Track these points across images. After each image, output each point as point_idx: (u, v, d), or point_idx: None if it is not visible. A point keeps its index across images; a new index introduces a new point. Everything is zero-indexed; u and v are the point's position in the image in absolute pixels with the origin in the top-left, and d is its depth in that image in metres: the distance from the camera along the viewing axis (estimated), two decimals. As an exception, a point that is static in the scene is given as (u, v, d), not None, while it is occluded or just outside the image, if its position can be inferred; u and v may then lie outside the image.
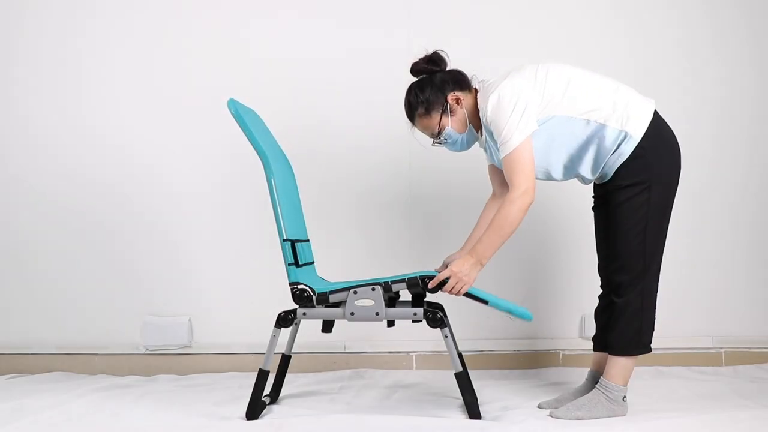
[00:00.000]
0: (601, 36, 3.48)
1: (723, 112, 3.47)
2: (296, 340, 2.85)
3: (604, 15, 3.49)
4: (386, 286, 2.57)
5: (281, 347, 2.80)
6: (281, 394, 2.89)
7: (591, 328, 3.41)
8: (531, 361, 3.41)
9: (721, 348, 3.44)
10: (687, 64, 3.48)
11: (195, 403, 2.82)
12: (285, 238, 2.59)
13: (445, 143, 2.65)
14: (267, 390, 2.73)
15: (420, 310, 2.56)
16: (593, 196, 2.73)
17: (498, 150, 2.53)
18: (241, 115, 2.57)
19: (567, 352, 3.44)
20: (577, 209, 3.45)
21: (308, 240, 2.81)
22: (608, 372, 2.59)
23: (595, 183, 2.69)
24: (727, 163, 3.48)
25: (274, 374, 2.84)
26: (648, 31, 3.48)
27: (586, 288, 3.43)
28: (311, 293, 2.59)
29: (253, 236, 3.46)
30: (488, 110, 2.49)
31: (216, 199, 3.47)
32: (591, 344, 3.41)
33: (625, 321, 2.55)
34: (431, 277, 2.55)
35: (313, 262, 2.80)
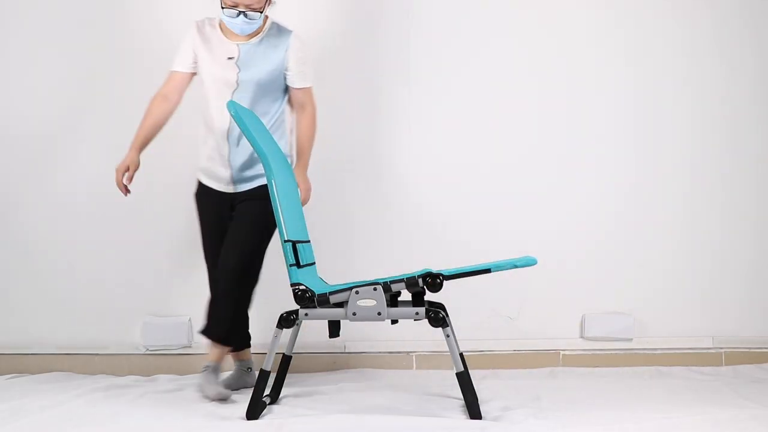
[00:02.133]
0: (598, 36, 3.48)
1: (723, 112, 3.47)
2: (297, 340, 2.85)
3: (603, 16, 3.48)
4: (386, 286, 2.57)
5: (282, 347, 2.80)
6: (281, 394, 2.89)
7: (591, 328, 3.43)
8: (531, 361, 3.41)
9: (721, 348, 3.44)
10: (687, 63, 3.47)
11: (195, 403, 2.82)
12: (286, 239, 2.59)
13: (251, 20, 2.89)
14: (267, 390, 2.73)
15: (422, 310, 2.56)
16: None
17: (276, 72, 2.97)
18: (241, 116, 2.58)
19: (567, 352, 3.44)
20: (577, 209, 3.46)
21: (309, 241, 2.82)
22: None
23: None
24: (727, 163, 3.47)
25: (275, 374, 2.84)
26: (648, 31, 3.47)
27: (586, 288, 3.45)
28: (313, 294, 2.59)
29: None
30: (297, 43, 2.99)
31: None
32: (591, 344, 3.43)
33: None
34: (432, 276, 2.55)
35: (314, 263, 2.80)
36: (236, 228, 2.94)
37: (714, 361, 3.41)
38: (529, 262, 2.55)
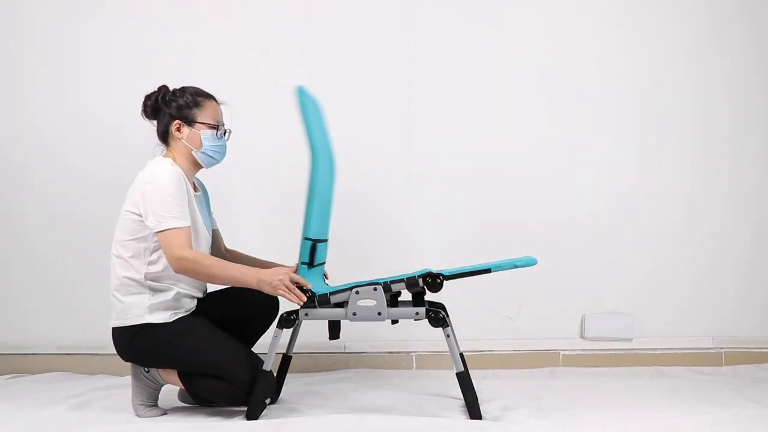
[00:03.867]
0: (598, 35, 3.48)
1: (723, 113, 3.47)
2: (297, 340, 2.85)
3: (602, 17, 3.48)
4: (386, 287, 2.57)
5: (282, 347, 2.80)
6: (281, 394, 2.89)
7: (591, 328, 3.42)
8: (531, 361, 3.41)
9: (721, 348, 3.43)
10: (688, 63, 3.47)
11: (195, 403, 2.82)
12: (308, 237, 2.58)
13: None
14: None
15: (422, 310, 2.56)
16: None
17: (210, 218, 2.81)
18: (305, 104, 2.55)
19: (567, 352, 3.44)
20: (577, 209, 3.45)
21: (327, 240, 2.79)
22: None
23: None
24: (727, 163, 3.47)
25: (276, 373, 2.83)
26: (648, 31, 3.47)
27: (586, 288, 3.45)
28: (313, 294, 2.59)
29: (253, 236, 3.45)
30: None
31: (216, 198, 3.46)
32: (591, 344, 3.42)
33: None
34: (432, 276, 2.55)
35: (324, 262, 2.78)
36: None
37: (714, 361, 3.41)
38: (529, 262, 2.55)
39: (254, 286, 2.53)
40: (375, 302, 2.57)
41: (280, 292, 2.52)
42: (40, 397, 2.91)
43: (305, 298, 2.54)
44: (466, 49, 3.47)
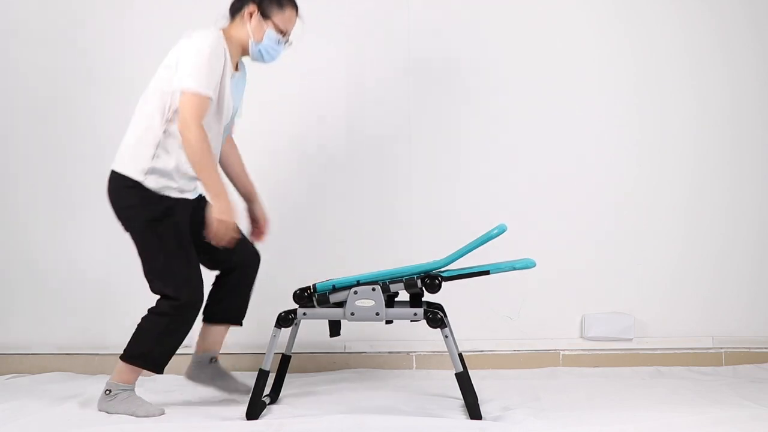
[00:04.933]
0: (602, 36, 3.48)
1: (724, 114, 3.47)
2: (296, 340, 2.85)
3: (605, 16, 3.48)
4: (384, 287, 2.57)
5: (281, 347, 2.80)
6: (281, 394, 2.89)
7: (591, 328, 3.42)
8: (531, 361, 3.41)
9: (721, 348, 3.43)
10: (689, 63, 3.47)
11: (195, 403, 2.82)
12: None
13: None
14: (267, 390, 2.73)
15: (420, 311, 2.56)
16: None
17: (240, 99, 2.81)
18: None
19: (567, 352, 3.44)
20: (577, 209, 3.45)
21: None
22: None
23: None
24: (727, 162, 3.47)
25: (274, 374, 2.83)
26: (650, 32, 3.47)
27: (586, 288, 3.45)
28: (311, 293, 2.59)
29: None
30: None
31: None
32: (591, 344, 3.42)
33: None
34: (430, 277, 2.55)
35: None
36: None
37: (714, 361, 3.41)
38: (528, 265, 2.55)
39: (211, 202, 2.55)
40: (373, 302, 2.56)
41: (218, 228, 2.53)
42: (40, 397, 2.90)
43: (227, 245, 2.57)
44: (467, 48, 3.47)
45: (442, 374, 3.24)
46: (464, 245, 2.60)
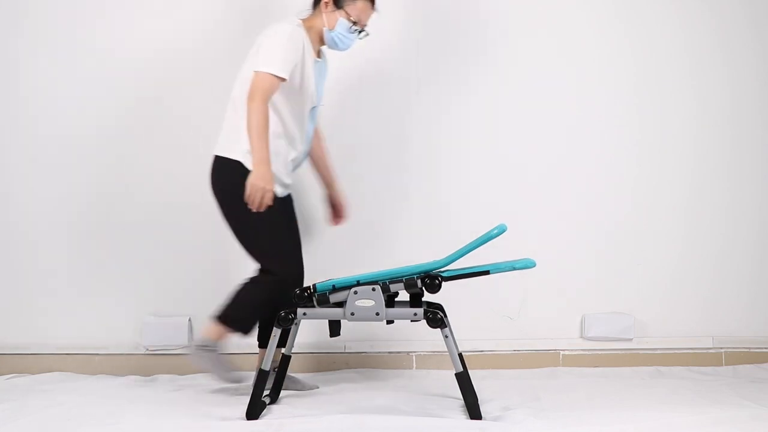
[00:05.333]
0: (601, 37, 3.48)
1: (724, 114, 3.47)
2: (296, 340, 2.85)
3: (605, 16, 3.48)
4: (384, 287, 2.57)
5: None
6: (281, 394, 2.89)
7: (591, 328, 3.42)
8: (531, 361, 3.41)
9: (721, 348, 3.43)
10: (689, 63, 3.47)
11: (195, 403, 2.82)
12: None
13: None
14: (267, 390, 2.73)
15: (420, 311, 2.56)
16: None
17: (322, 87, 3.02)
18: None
19: (567, 352, 3.44)
20: (577, 209, 3.45)
21: None
22: None
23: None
24: (727, 162, 3.47)
25: (274, 374, 2.83)
26: (650, 32, 3.48)
27: (586, 288, 3.45)
28: (311, 293, 2.59)
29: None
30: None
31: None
32: (591, 344, 3.42)
33: None
34: (430, 277, 2.55)
35: None
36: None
37: (714, 361, 3.41)
38: (528, 265, 2.54)
39: (252, 168, 2.70)
40: (373, 302, 2.57)
41: (252, 191, 2.67)
42: (40, 397, 2.90)
43: (261, 208, 2.69)
44: (471, 50, 3.47)
45: (442, 374, 3.24)
46: (464, 245, 2.60)
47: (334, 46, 2.93)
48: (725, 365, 3.40)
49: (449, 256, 2.61)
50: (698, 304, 3.45)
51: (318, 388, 3.03)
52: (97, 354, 3.44)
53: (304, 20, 2.90)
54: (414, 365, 3.41)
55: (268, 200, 2.70)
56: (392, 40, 3.46)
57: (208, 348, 2.82)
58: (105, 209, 3.47)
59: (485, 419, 2.53)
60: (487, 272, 2.56)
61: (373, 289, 2.57)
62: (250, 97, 2.71)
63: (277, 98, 2.80)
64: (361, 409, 2.68)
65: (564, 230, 3.44)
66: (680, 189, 3.48)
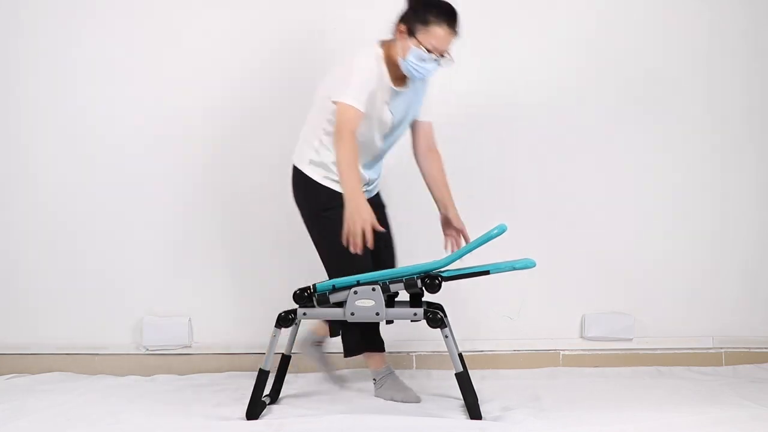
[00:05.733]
0: (602, 35, 3.48)
1: (725, 113, 3.47)
2: (296, 340, 2.85)
3: (605, 16, 3.48)
4: (384, 287, 2.57)
5: (281, 347, 2.80)
6: (281, 394, 2.89)
7: (591, 328, 3.42)
8: (531, 361, 3.41)
9: (721, 348, 3.43)
10: (690, 63, 3.47)
11: (195, 403, 2.82)
12: None
13: (438, 67, 2.76)
14: (267, 390, 2.73)
15: (420, 311, 2.57)
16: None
17: (415, 109, 2.91)
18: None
19: (567, 352, 3.44)
20: (577, 209, 3.45)
21: None
22: None
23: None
24: (727, 163, 3.47)
25: (274, 374, 2.83)
26: (649, 31, 3.48)
27: (586, 288, 3.45)
28: (311, 293, 2.59)
29: (253, 236, 3.46)
30: (429, 80, 2.85)
31: (216, 199, 3.47)
32: (591, 344, 3.42)
33: None
34: (430, 277, 2.55)
35: None
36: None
37: (714, 361, 3.41)
38: (528, 265, 2.54)
39: (345, 194, 2.64)
40: (373, 302, 2.57)
41: (350, 226, 2.59)
42: (40, 397, 2.91)
43: (359, 249, 2.58)
44: (470, 48, 3.47)
45: (442, 374, 3.24)
46: (464, 245, 2.60)
47: (411, 75, 2.76)
48: (725, 365, 3.40)
49: (449, 256, 2.62)
50: (698, 304, 3.45)
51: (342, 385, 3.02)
52: (97, 354, 3.44)
53: (384, 45, 2.78)
54: (414, 365, 3.41)
55: (369, 235, 2.59)
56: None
57: (382, 377, 2.88)
58: (105, 209, 3.47)
59: (485, 419, 2.53)
60: (487, 272, 2.56)
61: (373, 289, 2.57)
62: (337, 133, 2.66)
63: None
64: (361, 409, 2.69)
65: (564, 230, 3.44)
66: (680, 189, 3.47)
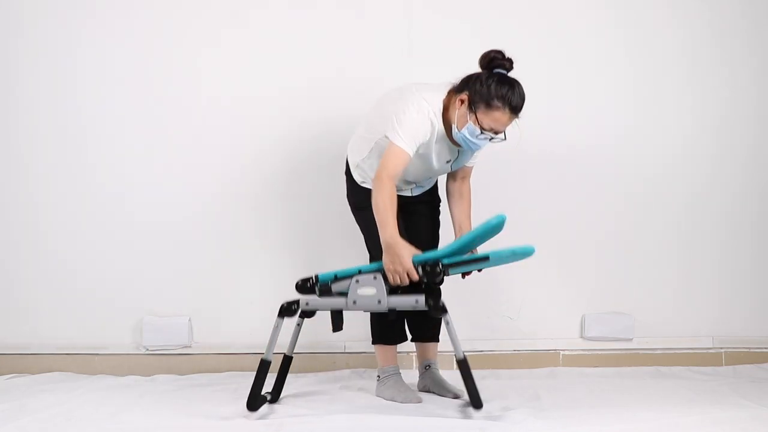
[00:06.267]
0: (598, 37, 3.48)
1: (725, 113, 3.47)
2: (297, 340, 2.85)
3: (603, 16, 3.49)
4: (385, 275, 2.57)
5: (283, 347, 2.80)
6: (281, 394, 2.88)
7: (591, 328, 3.43)
8: (531, 361, 3.41)
9: (721, 348, 3.44)
10: (687, 64, 3.48)
11: (195, 403, 2.82)
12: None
13: (491, 141, 2.70)
14: (269, 389, 2.73)
15: (421, 297, 2.57)
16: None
17: (465, 157, 2.85)
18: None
19: (567, 352, 3.44)
20: (577, 209, 3.46)
21: None
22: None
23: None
24: (727, 163, 3.48)
25: (276, 373, 2.83)
26: (647, 32, 3.48)
27: (586, 288, 3.45)
28: (314, 283, 2.60)
29: (253, 236, 3.46)
30: None
31: (216, 199, 3.47)
32: (591, 344, 3.42)
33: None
34: (431, 264, 2.56)
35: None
36: None
37: (714, 361, 3.41)
38: (528, 251, 2.51)
39: (382, 239, 2.60)
40: (375, 290, 2.57)
41: (390, 270, 2.56)
42: (40, 397, 2.90)
43: (405, 283, 2.57)
44: (469, 47, 3.48)
45: (442, 374, 3.23)
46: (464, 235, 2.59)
47: (460, 143, 2.71)
48: (725, 365, 3.40)
49: (449, 245, 2.62)
50: (698, 304, 3.46)
51: (459, 398, 2.85)
52: (97, 354, 3.44)
53: (446, 98, 2.70)
54: (414, 365, 3.41)
55: (406, 280, 2.56)
56: (393, 45, 3.46)
57: (387, 376, 2.90)
58: (105, 209, 3.47)
59: (485, 419, 2.53)
60: (486, 258, 2.55)
61: (375, 278, 2.57)
62: (380, 172, 2.61)
63: None
64: (361, 409, 2.68)
65: (564, 230, 3.44)
66: (680, 189, 3.48)
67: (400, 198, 2.75)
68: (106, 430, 2.48)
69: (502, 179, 3.46)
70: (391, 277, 2.57)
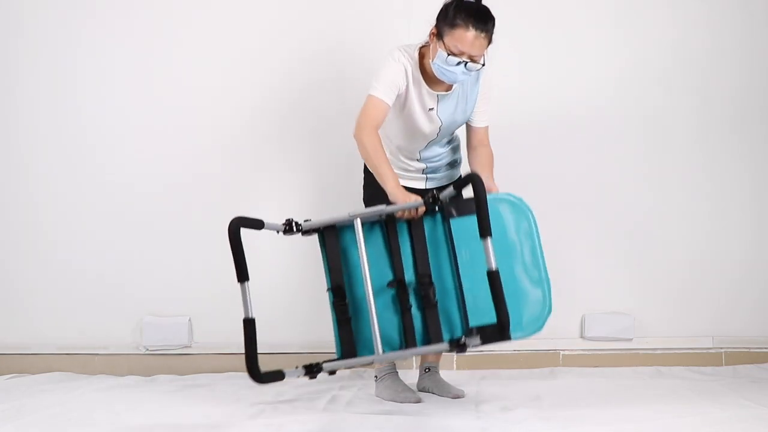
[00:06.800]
0: (597, 31, 3.48)
1: (724, 113, 3.47)
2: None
3: (605, 18, 3.49)
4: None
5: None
6: (281, 395, 2.88)
7: (591, 328, 3.43)
8: (531, 361, 3.41)
9: (721, 348, 3.44)
10: (688, 65, 3.48)
11: (195, 403, 2.82)
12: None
13: (469, 71, 2.64)
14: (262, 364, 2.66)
15: (420, 199, 2.55)
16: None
17: (449, 103, 2.77)
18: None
19: (567, 352, 3.44)
20: (577, 209, 3.46)
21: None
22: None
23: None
24: (727, 162, 3.48)
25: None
26: (645, 31, 3.48)
27: (586, 288, 3.45)
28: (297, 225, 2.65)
29: (253, 237, 3.45)
30: (487, 83, 2.81)
31: (216, 199, 3.47)
32: (591, 344, 3.42)
33: None
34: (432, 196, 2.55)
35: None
36: None
37: (714, 361, 3.41)
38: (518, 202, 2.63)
39: (387, 192, 2.59)
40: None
41: (401, 201, 2.56)
42: (40, 397, 2.91)
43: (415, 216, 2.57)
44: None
45: (442, 374, 3.23)
46: None
47: (441, 77, 2.67)
48: (725, 365, 3.40)
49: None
50: (698, 304, 3.45)
51: (463, 397, 2.87)
52: (97, 354, 3.44)
53: (421, 51, 2.72)
54: (414, 365, 3.41)
55: (415, 213, 2.57)
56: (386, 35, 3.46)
57: (384, 375, 2.90)
58: (105, 209, 3.47)
59: (485, 419, 2.53)
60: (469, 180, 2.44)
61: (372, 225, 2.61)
62: (357, 127, 2.64)
63: (389, 128, 2.80)
64: (361, 410, 2.68)
65: (564, 230, 3.44)
66: (680, 189, 3.48)
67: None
68: (106, 430, 2.48)
69: (502, 179, 3.45)
70: (403, 204, 2.55)
